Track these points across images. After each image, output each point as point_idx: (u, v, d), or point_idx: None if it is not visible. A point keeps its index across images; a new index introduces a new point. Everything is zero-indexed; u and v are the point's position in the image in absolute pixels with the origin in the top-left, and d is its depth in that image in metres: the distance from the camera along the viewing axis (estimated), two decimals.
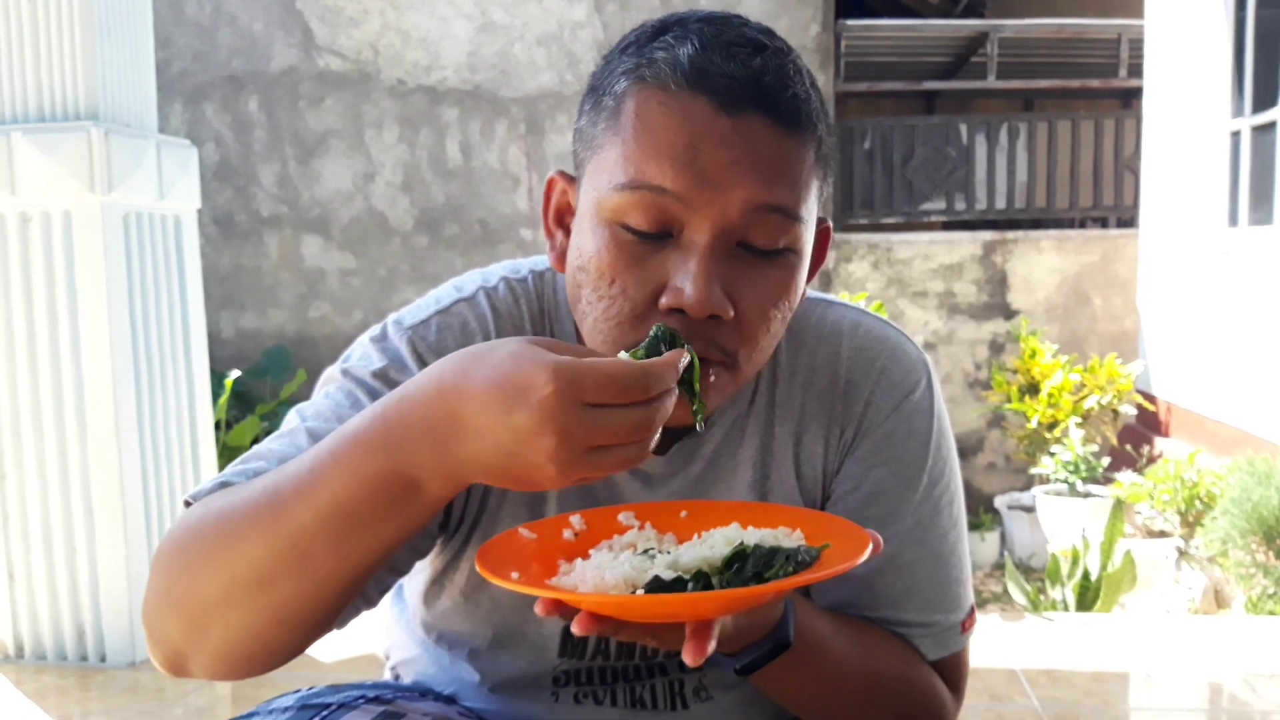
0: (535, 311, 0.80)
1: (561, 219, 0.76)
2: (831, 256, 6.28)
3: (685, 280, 0.66)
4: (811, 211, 0.70)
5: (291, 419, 0.75)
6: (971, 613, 0.83)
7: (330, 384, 0.77)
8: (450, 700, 0.91)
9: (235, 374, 5.23)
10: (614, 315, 0.69)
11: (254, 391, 6.01)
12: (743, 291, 0.68)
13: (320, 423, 0.73)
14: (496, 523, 0.80)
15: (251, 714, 0.82)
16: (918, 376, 0.81)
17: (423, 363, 0.75)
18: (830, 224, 0.77)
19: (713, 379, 0.69)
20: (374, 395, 0.74)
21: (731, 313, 0.67)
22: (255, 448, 0.74)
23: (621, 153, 0.67)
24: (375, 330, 0.79)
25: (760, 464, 0.80)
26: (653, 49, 0.68)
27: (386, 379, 0.75)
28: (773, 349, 0.73)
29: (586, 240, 0.69)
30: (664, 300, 0.67)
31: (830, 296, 0.85)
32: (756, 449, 0.80)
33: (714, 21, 0.69)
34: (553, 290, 0.81)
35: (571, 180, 0.74)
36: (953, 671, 0.83)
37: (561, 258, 0.75)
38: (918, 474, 0.79)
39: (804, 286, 0.73)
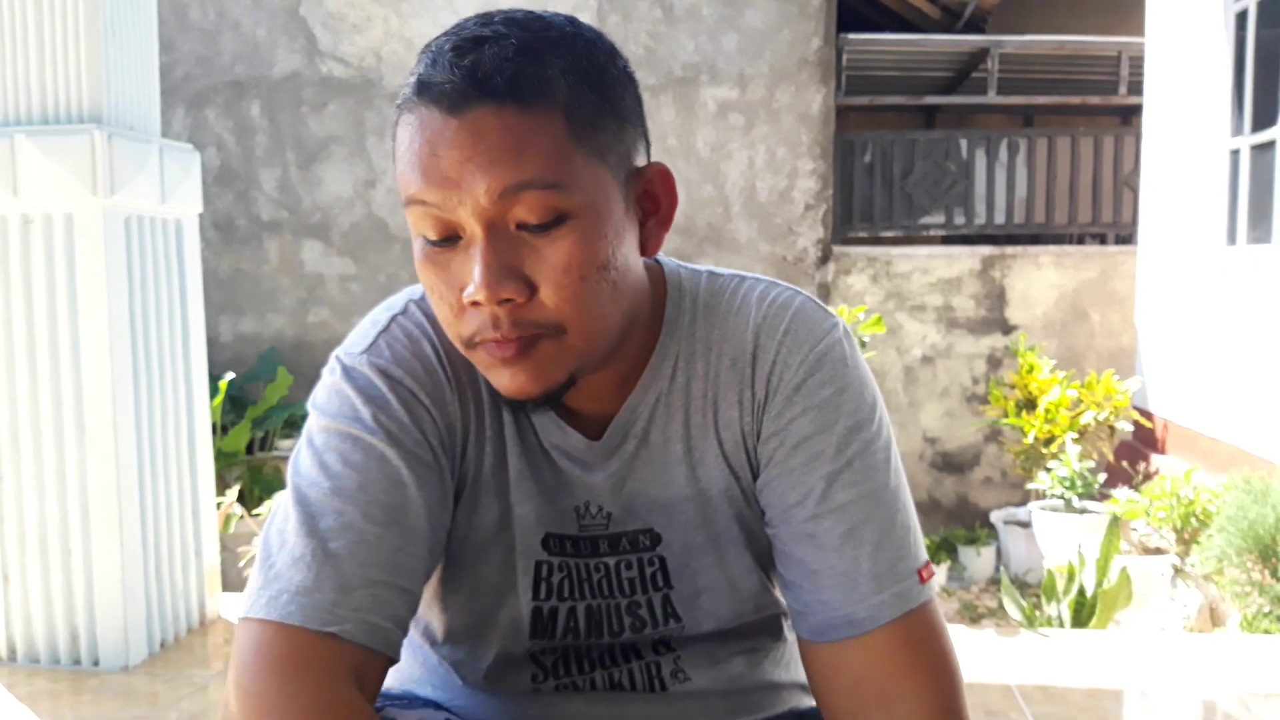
0: None
1: None
2: (830, 269, 6.30)
3: (473, 272, 0.70)
4: (585, 171, 0.71)
5: (290, 512, 0.75)
6: (927, 564, 0.80)
7: (320, 435, 0.77)
8: (438, 706, 0.92)
9: (229, 376, 5.22)
10: (443, 318, 0.75)
11: (249, 396, 6.01)
12: (535, 268, 0.71)
13: (337, 481, 0.75)
14: (475, 509, 0.83)
15: None
16: (824, 332, 0.81)
17: (388, 378, 0.79)
18: (664, 165, 0.78)
19: (542, 348, 0.72)
20: (373, 429, 0.76)
21: (528, 292, 0.71)
22: (287, 543, 0.73)
23: (399, 174, 0.73)
24: (332, 369, 0.81)
25: (685, 436, 0.83)
26: (410, 76, 0.73)
27: (374, 401, 0.78)
28: (608, 312, 0.74)
29: (414, 251, 0.75)
30: (464, 296, 0.71)
31: (747, 274, 0.88)
32: (682, 422, 0.83)
33: (455, 28, 0.72)
34: None
35: None
36: (926, 641, 0.78)
37: None
38: (836, 417, 0.79)
39: (623, 242, 0.74)
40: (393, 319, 0.83)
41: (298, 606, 0.71)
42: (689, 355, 0.83)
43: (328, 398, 0.80)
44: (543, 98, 0.69)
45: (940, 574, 5.04)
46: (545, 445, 0.83)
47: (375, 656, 0.73)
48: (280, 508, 0.77)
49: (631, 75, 0.76)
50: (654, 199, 0.78)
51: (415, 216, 0.72)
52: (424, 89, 0.70)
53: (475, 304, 0.71)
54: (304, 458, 0.78)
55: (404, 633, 0.76)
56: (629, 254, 0.75)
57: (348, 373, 0.80)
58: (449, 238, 0.72)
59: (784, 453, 0.80)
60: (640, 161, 0.77)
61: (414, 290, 0.85)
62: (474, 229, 0.70)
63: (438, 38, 0.73)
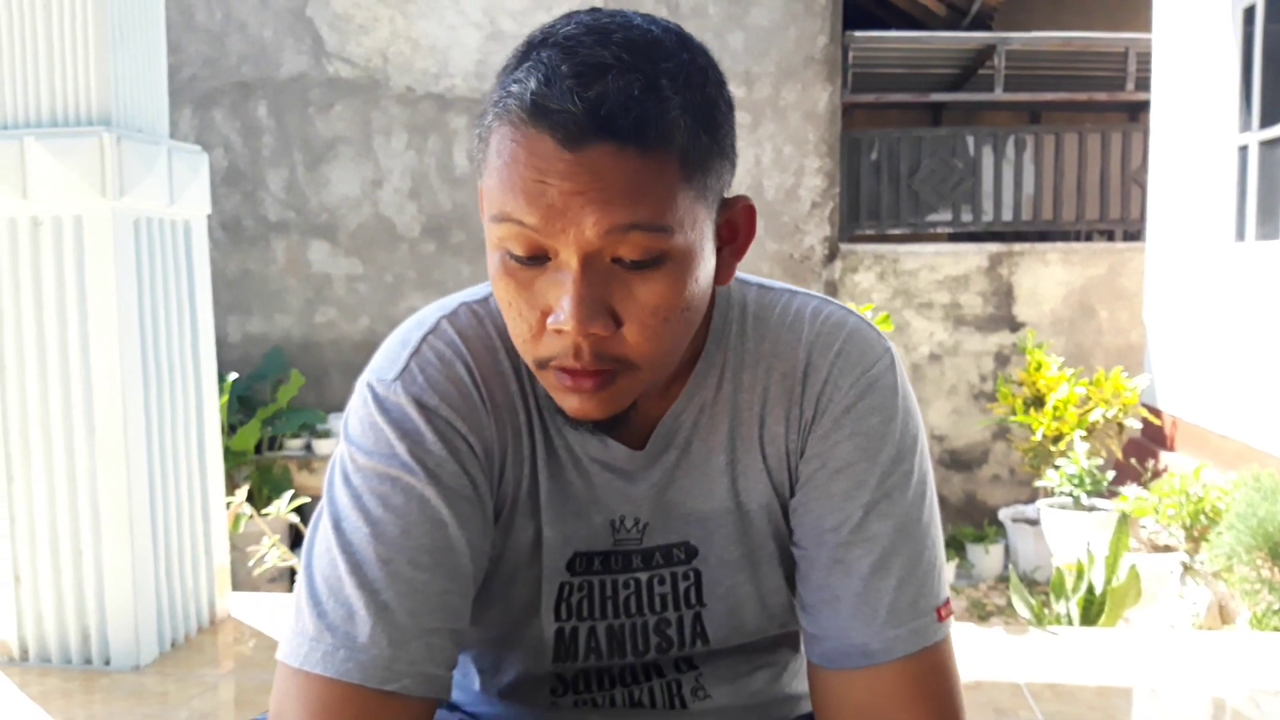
0: (502, 330, 0.81)
1: None
2: (837, 267, 6.29)
3: (561, 305, 0.69)
4: (688, 214, 0.70)
5: (336, 557, 0.73)
6: (947, 603, 0.80)
7: (356, 474, 0.75)
8: (454, 707, 0.92)
9: (233, 376, 5.24)
10: (519, 334, 0.73)
11: (257, 395, 6.03)
12: (624, 304, 0.70)
13: (379, 527, 0.73)
14: (511, 530, 0.82)
15: None
16: (877, 356, 0.81)
17: (423, 408, 0.76)
18: (750, 202, 0.77)
19: (618, 379, 0.72)
20: (412, 469, 0.74)
21: (614, 327, 0.70)
22: (337, 592, 0.72)
23: (490, 185, 0.70)
24: (364, 398, 0.78)
25: (730, 448, 0.82)
26: (510, 81, 0.69)
27: (409, 435, 0.75)
28: (677, 348, 0.74)
29: (491, 261, 0.73)
30: (549, 321, 0.70)
31: (796, 287, 0.86)
32: (726, 434, 0.82)
33: (571, 42, 0.68)
34: None
35: None
36: (934, 680, 0.78)
37: None
38: (881, 446, 0.79)
39: (703, 279, 0.73)
40: (424, 338, 0.80)
41: (355, 664, 0.71)
42: (736, 366, 0.82)
43: (361, 431, 0.77)
44: (663, 142, 0.67)
45: (949, 572, 5.04)
46: (584, 460, 0.82)
47: (430, 704, 0.74)
48: (321, 547, 0.74)
49: (732, 102, 0.74)
50: (733, 229, 0.77)
51: (504, 232, 0.69)
52: (540, 113, 0.66)
53: (559, 331, 0.70)
54: (342, 496, 0.75)
55: (454, 668, 0.76)
56: (707, 288, 0.75)
57: (381, 403, 0.77)
58: (536, 257, 0.70)
59: (825, 475, 0.79)
60: (728, 192, 0.76)
61: (445, 304, 0.83)
62: (569, 258, 0.68)
63: (543, 47, 0.69)
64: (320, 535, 0.75)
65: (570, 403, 0.73)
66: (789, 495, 0.82)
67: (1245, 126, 4.87)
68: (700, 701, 0.88)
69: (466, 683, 0.92)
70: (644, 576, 0.84)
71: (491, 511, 0.79)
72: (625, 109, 0.65)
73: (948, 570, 4.99)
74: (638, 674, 0.87)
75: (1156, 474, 5.10)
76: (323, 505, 0.77)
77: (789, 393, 0.81)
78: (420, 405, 0.76)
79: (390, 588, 0.72)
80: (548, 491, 0.81)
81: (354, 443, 0.77)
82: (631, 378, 0.73)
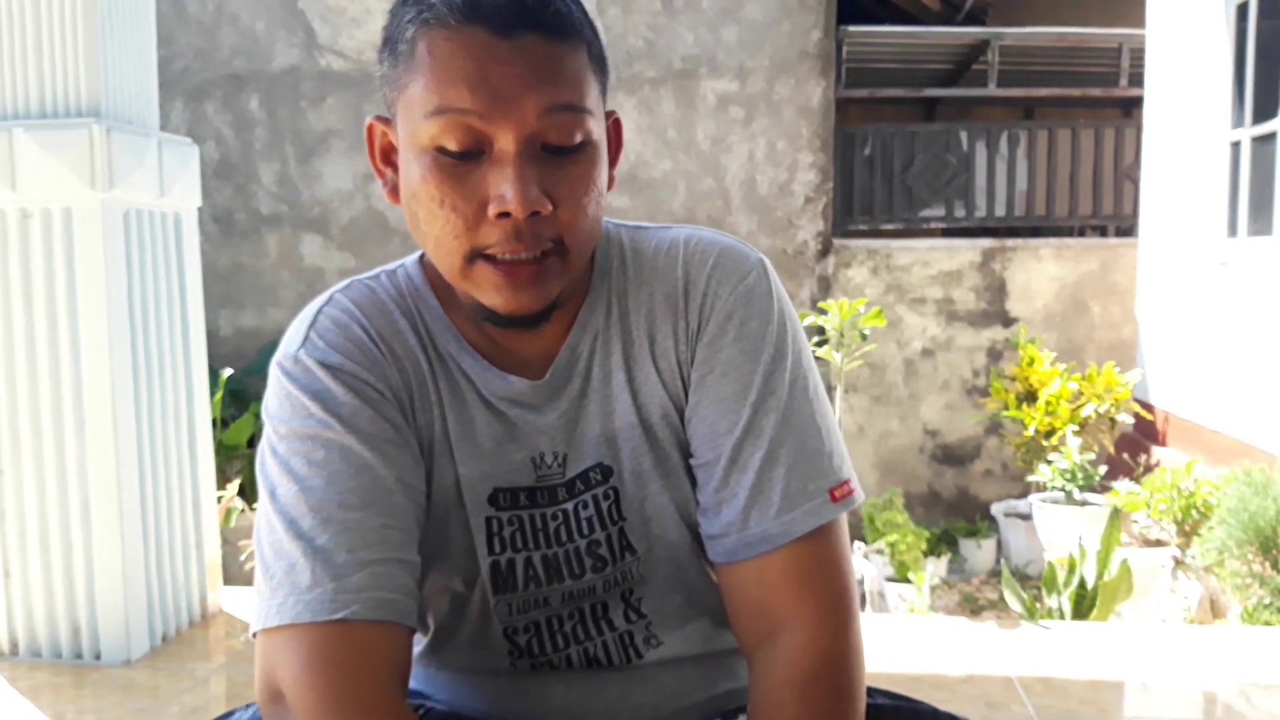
0: (395, 295, 0.88)
1: (388, 158, 0.84)
2: (831, 262, 6.29)
3: (505, 187, 0.75)
4: (597, 104, 0.80)
5: (274, 522, 0.77)
6: (845, 484, 0.84)
7: (280, 442, 0.80)
8: (420, 696, 0.94)
9: (229, 371, 5.22)
10: (450, 230, 0.78)
11: (250, 390, 6.01)
12: (556, 186, 0.77)
13: (306, 483, 0.77)
14: (433, 473, 0.86)
15: (229, 713, 0.87)
16: (750, 267, 0.88)
17: (327, 367, 0.82)
18: (619, 115, 0.87)
19: (550, 266, 0.78)
20: (328, 423, 0.79)
21: (550, 207, 0.76)
22: (281, 552, 0.76)
23: (423, 86, 0.76)
24: (275, 377, 0.83)
25: (625, 365, 0.88)
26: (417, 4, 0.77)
27: (320, 395, 0.80)
28: (595, 234, 0.82)
29: (412, 171, 0.78)
30: (491, 208, 0.76)
31: (669, 225, 0.94)
32: (621, 353, 0.88)
33: None
34: (407, 278, 0.89)
35: (388, 122, 0.83)
36: (824, 561, 0.82)
37: (394, 192, 0.84)
38: (761, 346, 0.85)
39: (606, 174, 0.83)
40: (319, 311, 0.86)
41: (304, 605, 0.74)
42: (621, 294, 0.89)
43: (278, 405, 0.82)
44: (575, 34, 0.77)
45: (941, 566, 5.04)
46: (492, 400, 0.86)
47: (392, 628, 0.76)
48: (264, 522, 0.79)
49: None
50: (609, 142, 0.86)
51: (440, 127, 0.75)
52: (473, 10, 0.74)
53: (502, 216, 0.75)
54: (272, 468, 0.80)
55: (415, 599, 0.78)
56: (606, 185, 0.83)
57: (289, 374, 0.82)
58: (470, 151, 0.76)
59: (714, 379, 0.85)
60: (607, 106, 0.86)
61: (339, 285, 0.90)
62: (507, 144, 0.75)
63: None
64: (261, 512, 0.80)
65: (503, 295, 0.78)
66: (684, 403, 0.88)
67: (1238, 122, 4.88)
68: (654, 649, 0.90)
69: (427, 671, 0.94)
70: (570, 506, 0.88)
71: (417, 449, 0.84)
72: (545, 4, 0.76)
73: (940, 564, 5.01)
74: (589, 629, 0.90)
75: (1148, 469, 5.12)
76: (259, 486, 0.81)
77: (673, 308, 0.87)
78: (325, 366, 0.82)
79: (324, 532, 0.76)
80: (457, 433, 0.86)
81: (274, 417, 0.82)
82: (562, 264, 0.79)
